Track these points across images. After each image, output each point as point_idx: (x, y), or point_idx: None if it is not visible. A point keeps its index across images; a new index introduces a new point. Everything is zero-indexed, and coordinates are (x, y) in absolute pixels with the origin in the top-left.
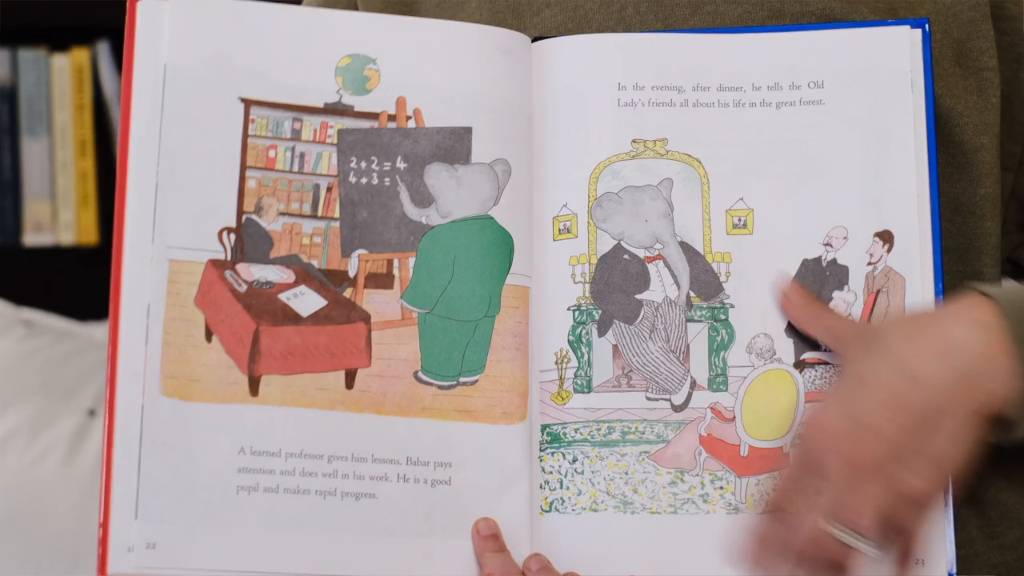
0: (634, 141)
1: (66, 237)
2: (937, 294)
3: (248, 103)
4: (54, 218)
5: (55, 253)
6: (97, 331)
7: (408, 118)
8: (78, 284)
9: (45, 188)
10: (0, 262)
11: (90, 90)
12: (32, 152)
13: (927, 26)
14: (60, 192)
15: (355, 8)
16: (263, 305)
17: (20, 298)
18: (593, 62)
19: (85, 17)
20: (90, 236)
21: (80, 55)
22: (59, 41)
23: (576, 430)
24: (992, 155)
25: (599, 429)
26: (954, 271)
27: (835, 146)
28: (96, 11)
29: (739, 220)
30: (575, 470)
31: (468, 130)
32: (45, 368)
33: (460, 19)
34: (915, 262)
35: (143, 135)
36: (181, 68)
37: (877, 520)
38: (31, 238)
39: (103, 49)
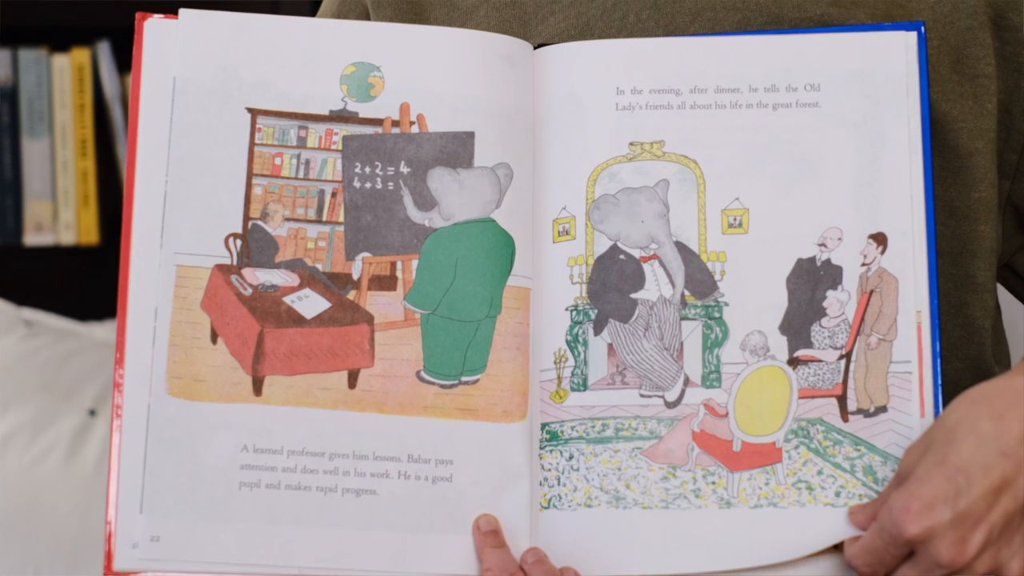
0: (631, 143)
1: (66, 237)
2: (931, 296)
3: (255, 113)
4: (55, 218)
5: (55, 253)
6: (97, 331)
7: (412, 123)
8: (78, 284)
9: (46, 188)
10: (0, 262)
11: (90, 90)
12: (33, 152)
13: (922, 28)
14: (60, 192)
15: (367, 17)
16: (267, 308)
17: (20, 298)
18: (592, 68)
19: (85, 17)
20: (90, 236)
21: (80, 55)
22: (59, 41)
23: (572, 428)
24: (987, 160)
25: (593, 426)
26: (948, 274)
27: (830, 148)
28: (96, 11)
29: (735, 219)
30: (571, 467)
31: (471, 134)
32: (45, 368)
33: (468, 28)
34: (908, 263)
35: (152, 145)
36: (190, 81)
37: None
38: (31, 238)
39: (103, 49)
